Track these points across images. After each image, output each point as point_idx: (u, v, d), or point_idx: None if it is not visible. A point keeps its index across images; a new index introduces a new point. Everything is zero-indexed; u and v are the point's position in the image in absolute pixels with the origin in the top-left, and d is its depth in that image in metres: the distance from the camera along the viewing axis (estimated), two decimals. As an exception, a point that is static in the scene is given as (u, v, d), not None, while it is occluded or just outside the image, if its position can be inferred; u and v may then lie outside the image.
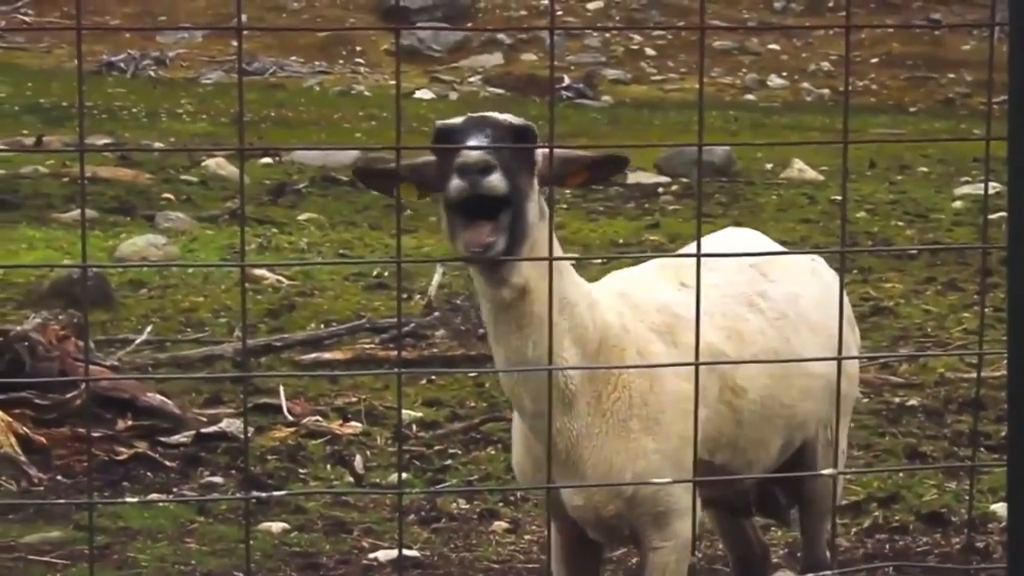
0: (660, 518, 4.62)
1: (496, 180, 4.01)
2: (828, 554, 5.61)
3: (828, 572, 5.45)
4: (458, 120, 4.24)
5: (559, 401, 4.37)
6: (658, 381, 4.56)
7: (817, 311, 5.16)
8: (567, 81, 29.07)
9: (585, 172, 4.36)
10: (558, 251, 4.32)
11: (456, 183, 4.02)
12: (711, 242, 5.31)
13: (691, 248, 5.40)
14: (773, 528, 7.20)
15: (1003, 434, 8.24)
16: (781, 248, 5.49)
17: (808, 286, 5.20)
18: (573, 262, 4.63)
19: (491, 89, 28.19)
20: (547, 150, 4.26)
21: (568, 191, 16.76)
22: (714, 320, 4.72)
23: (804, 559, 5.68)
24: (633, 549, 5.66)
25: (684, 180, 18.40)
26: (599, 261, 11.36)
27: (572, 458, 4.37)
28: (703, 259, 4.97)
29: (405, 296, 11.97)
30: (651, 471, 4.52)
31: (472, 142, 4.05)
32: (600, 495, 4.53)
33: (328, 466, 8.21)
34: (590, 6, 35.17)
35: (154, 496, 7.63)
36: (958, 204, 17.09)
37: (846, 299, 5.51)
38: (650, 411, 4.53)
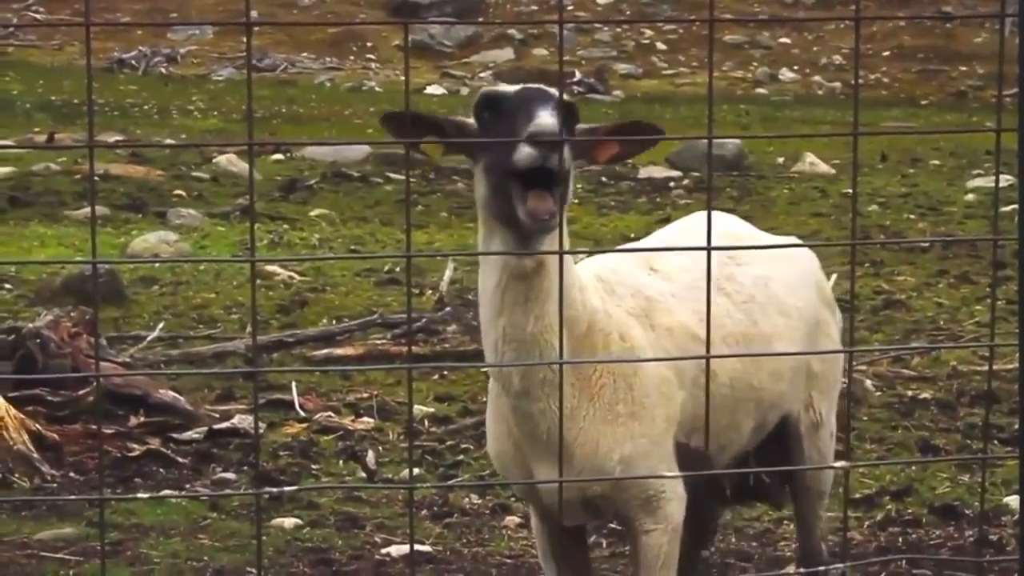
0: (650, 502, 4.65)
1: (566, 153, 4.07)
2: (825, 545, 5.60)
3: (835, 565, 5.45)
4: (510, 88, 4.27)
5: (545, 382, 4.37)
6: (641, 365, 4.59)
7: (789, 293, 5.16)
8: (578, 76, 29.06)
9: (615, 145, 4.39)
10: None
11: (528, 152, 4.01)
12: (683, 227, 5.30)
13: (662, 234, 5.40)
14: (785, 522, 7.20)
15: (1016, 427, 8.23)
16: (754, 229, 5.49)
17: (781, 269, 5.20)
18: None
19: (501, 84, 28.17)
20: (583, 127, 4.34)
21: (580, 185, 16.77)
22: (686, 303, 4.73)
23: (800, 549, 5.69)
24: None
25: (695, 174, 18.39)
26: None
27: (554, 439, 4.35)
28: (676, 243, 5.02)
29: (416, 291, 11.97)
30: (638, 454, 4.55)
31: (542, 112, 4.06)
32: (585, 476, 4.54)
33: (340, 462, 8.22)
34: (600, 1, 35.15)
35: (166, 492, 7.63)
36: (970, 197, 17.06)
37: (826, 281, 5.54)
38: (635, 395, 4.56)
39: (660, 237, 5.37)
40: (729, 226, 5.37)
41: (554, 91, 4.20)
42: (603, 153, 4.41)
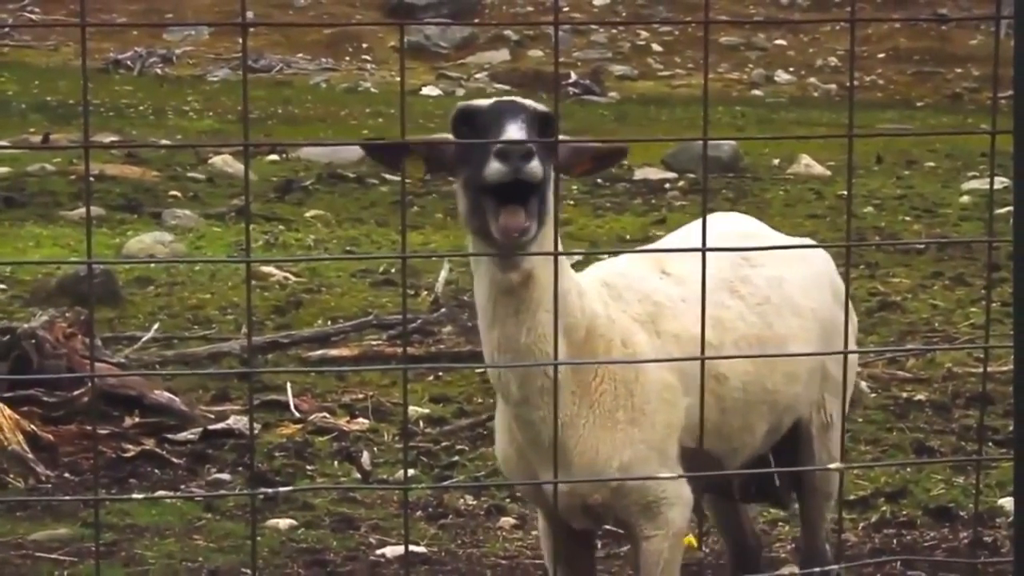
0: (650, 507, 4.64)
1: (536, 166, 4.02)
2: (828, 546, 5.61)
3: (834, 566, 5.45)
4: (484, 103, 4.27)
5: (544, 390, 4.36)
6: (643, 371, 4.57)
7: (803, 295, 5.15)
8: (574, 77, 29.05)
9: (589, 162, 4.39)
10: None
11: (496, 167, 4.01)
12: (697, 229, 5.28)
13: (676, 235, 5.40)
14: (780, 523, 7.20)
15: (1010, 429, 8.23)
16: (769, 230, 5.46)
17: (795, 270, 5.18)
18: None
19: (497, 85, 28.18)
20: (565, 138, 4.33)
21: (575, 187, 16.78)
22: (697, 307, 4.69)
23: (804, 550, 5.69)
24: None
25: (691, 176, 18.40)
26: (605, 257, 11.32)
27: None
28: (689, 245, 5.01)
29: (412, 292, 11.97)
30: (638, 460, 4.54)
31: (510, 127, 4.07)
32: (585, 484, 4.54)
33: (335, 462, 8.22)
34: (596, 2, 35.16)
35: (161, 493, 7.63)
36: (965, 199, 17.07)
37: (842, 281, 5.53)
38: (636, 401, 4.55)
39: (674, 239, 5.35)
40: (745, 227, 5.36)
41: (528, 103, 4.20)
42: (577, 167, 4.41)
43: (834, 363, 5.29)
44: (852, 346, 5.49)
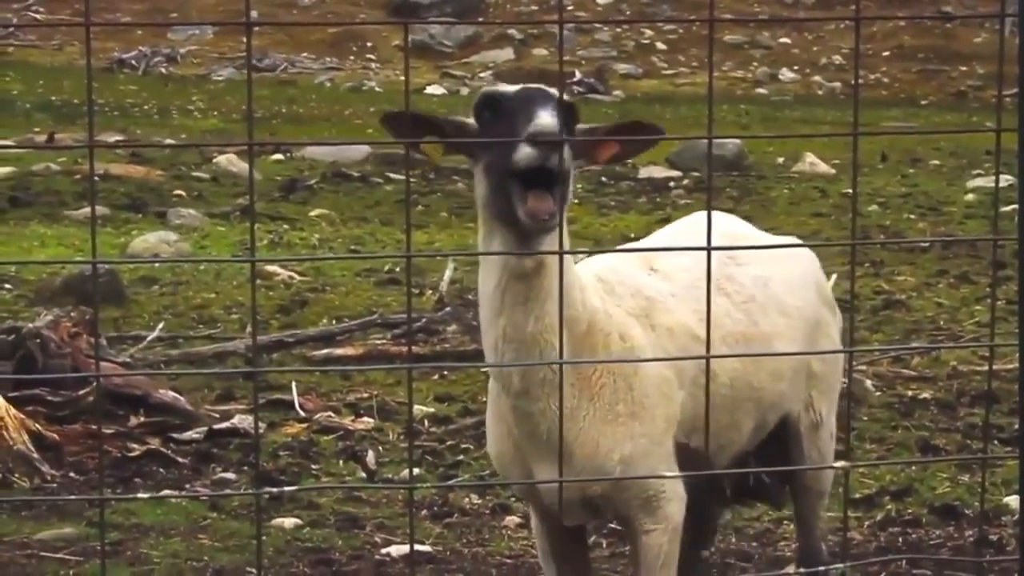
0: (650, 501, 4.66)
1: (566, 153, 4.08)
2: (824, 545, 5.61)
3: (834, 566, 5.45)
4: (510, 88, 4.28)
5: (545, 382, 4.37)
6: (641, 365, 4.60)
7: (789, 293, 5.17)
8: (578, 76, 29.06)
9: (615, 146, 4.40)
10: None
11: (527, 152, 4.03)
12: (683, 227, 5.32)
13: (662, 234, 5.42)
14: (785, 522, 7.20)
15: (1016, 427, 8.23)
16: (754, 229, 5.50)
17: (781, 269, 5.21)
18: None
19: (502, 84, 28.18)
20: (583, 127, 4.35)
21: (579, 185, 16.77)
22: (687, 303, 4.74)
23: (800, 549, 5.70)
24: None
25: (695, 174, 18.39)
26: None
27: (553, 439, 4.35)
28: (674, 243, 5.03)
29: (416, 291, 11.96)
30: (638, 454, 4.56)
31: (542, 112, 4.07)
32: (585, 476, 4.55)
33: (340, 462, 8.22)
34: (600, 0, 35.15)
35: (166, 492, 7.63)
36: (970, 197, 17.06)
37: (826, 281, 5.56)
38: (635, 395, 4.56)
39: (660, 237, 5.38)
40: (729, 226, 5.38)
41: (554, 91, 4.20)
42: (603, 153, 4.42)
43: (819, 361, 5.32)
44: (837, 344, 5.50)
